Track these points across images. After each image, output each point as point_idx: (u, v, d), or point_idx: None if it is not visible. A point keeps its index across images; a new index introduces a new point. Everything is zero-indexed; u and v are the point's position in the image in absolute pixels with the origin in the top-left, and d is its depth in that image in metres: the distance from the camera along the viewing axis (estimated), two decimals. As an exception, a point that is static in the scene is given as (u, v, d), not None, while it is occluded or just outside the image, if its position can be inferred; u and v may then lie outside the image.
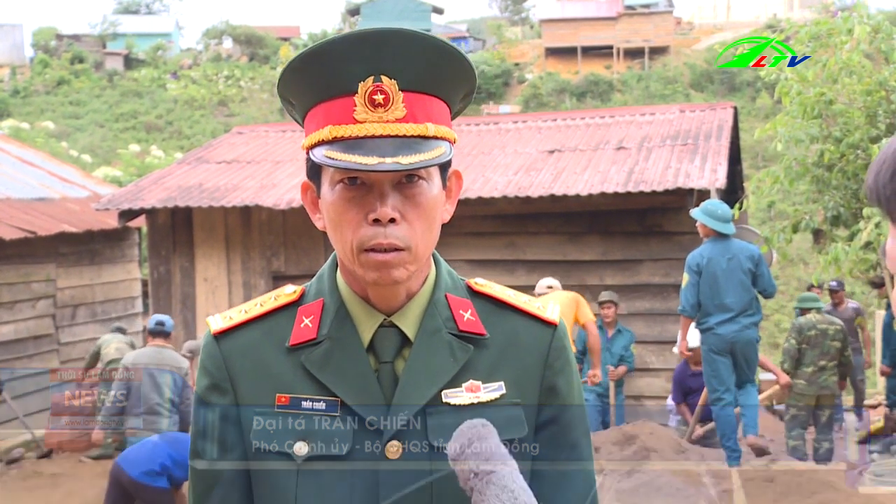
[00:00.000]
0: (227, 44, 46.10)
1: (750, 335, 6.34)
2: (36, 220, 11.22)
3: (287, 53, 38.24)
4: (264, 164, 10.74)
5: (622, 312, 8.82)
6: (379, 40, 1.25)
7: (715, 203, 6.45)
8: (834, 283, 9.42)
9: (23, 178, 12.94)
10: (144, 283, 12.98)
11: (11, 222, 10.80)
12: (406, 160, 1.23)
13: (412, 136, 1.26)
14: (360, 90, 1.26)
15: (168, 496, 6.37)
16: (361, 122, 1.26)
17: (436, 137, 1.28)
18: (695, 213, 6.38)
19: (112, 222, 11.63)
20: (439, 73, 1.29)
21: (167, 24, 49.83)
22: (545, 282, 8.00)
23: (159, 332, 7.34)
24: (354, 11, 43.78)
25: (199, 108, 36.10)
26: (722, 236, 6.28)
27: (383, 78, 1.25)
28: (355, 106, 1.26)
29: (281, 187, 9.77)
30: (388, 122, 1.26)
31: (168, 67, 40.94)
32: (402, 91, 1.26)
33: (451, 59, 1.29)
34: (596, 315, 8.08)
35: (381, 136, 1.25)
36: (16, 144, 15.52)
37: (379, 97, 1.25)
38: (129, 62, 41.65)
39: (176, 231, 10.09)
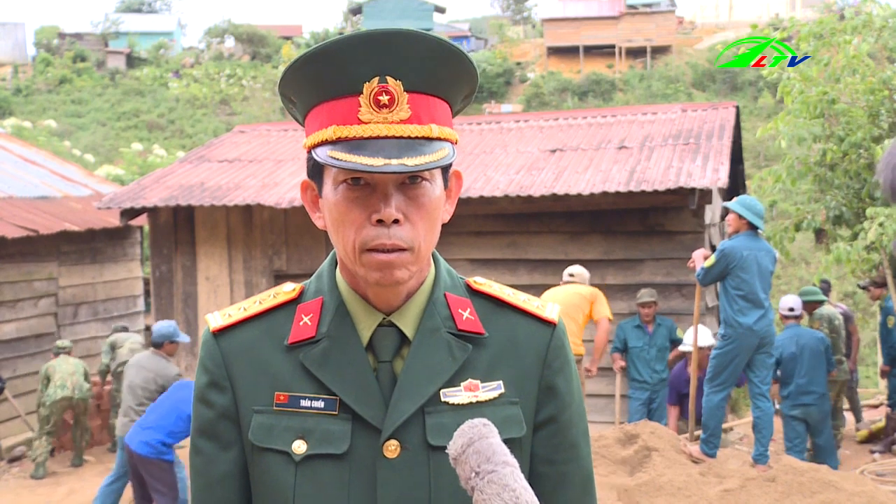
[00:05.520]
0: (229, 42, 46.13)
1: (774, 329, 6.49)
2: (38, 219, 11.23)
3: (289, 52, 38.25)
4: (266, 162, 10.74)
5: (623, 312, 8.84)
6: (384, 41, 1.24)
7: (752, 199, 6.47)
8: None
9: (25, 177, 12.95)
10: (146, 282, 13.00)
11: (14, 221, 10.81)
12: (412, 162, 1.23)
13: (416, 138, 1.26)
14: (365, 91, 1.25)
15: (168, 469, 6.52)
16: (366, 123, 1.25)
17: (439, 139, 1.28)
18: (733, 205, 6.35)
19: (114, 221, 11.64)
20: (443, 74, 1.29)
21: (169, 23, 49.87)
22: (569, 269, 7.94)
23: (157, 345, 7.32)
24: (356, 10, 43.79)
25: (200, 106, 36.12)
26: (755, 232, 6.31)
27: (388, 79, 1.25)
28: (360, 106, 1.25)
29: (283, 186, 9.78)
30: (392, 122, 1.25)
31: (170, 66, 40.97)
32: (406, 92, 1.26)
33: (455, 61, 1.29)
34: (614, 314, 8.24)
35: (385, 137, 1.25)
36: (18, 143, 15.52)
37: (384, 98, 1.25)
38: (132, 61, 41.68)
39: (178, 230, 10.09)
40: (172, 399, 6.52)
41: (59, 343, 9.69)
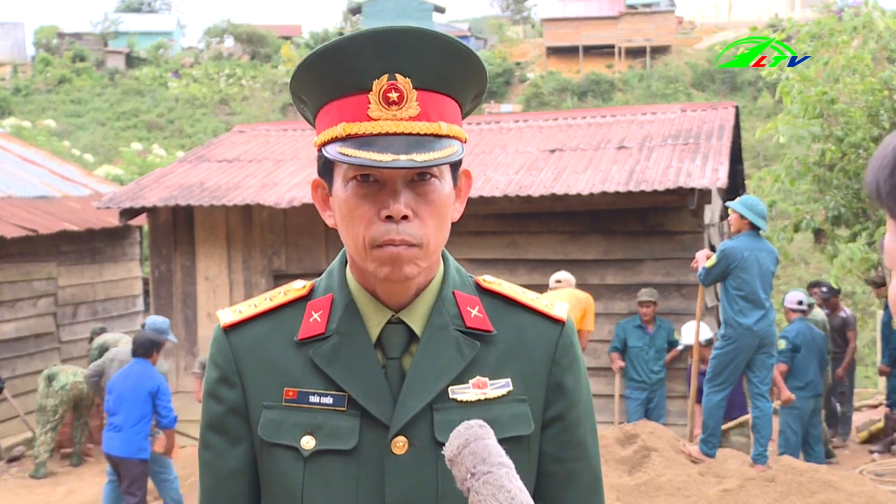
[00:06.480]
0: (229, 42, 46.15)
1: (774, 329, 6.49)
2: (37, 219, 11.23)
3: (288, 52, 38.28)
4: (265, 162, 10.74)
5: (623, 312, 8.84)
6: (394, 38, 1.25)
7: (754, 199, 6.46)
8: (825, 290, 9.26)
9: (24, 177, 12.94)
10: (145, 282, 13.00)
11: (13, 220, 10.80)
12: (420, 158, 1.24)
13: (425, 135, 1.27)
14: (374, 88, 1.27)
15: (143, 470, 6.59)
16: (375, 120, 1.26)
17: (448, 136, 1.30)
18: (734, 205, 6.34)
19: (113, 221, 11.63)
20: (452, 72, 1.30)
21: (169, 23, 49.89)
22: (555, 275, 8.06)
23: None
24: (356, 10, 43.79)
25: (200, 106, 36.12)
26: (757, 232, 6.31)
27: (398, 76, 1.26)
28: (369, 104, 1.27)
29: (282, 186, 9.77)
30: (401, 119, 1.26)
31: (169, 66, 40.98)
32: (415, 89, 1.27)
33: (464, 59, 1.30)
34: (613, 314, 8.27)
35: (394, 134, 1.26)
36: (17, 143, 15.52)
37: (393, 95, 1.26)
38: (131, 60, 41.68)
39: (177, 230, 10.09)
40: (126, 391, 6.60)
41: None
